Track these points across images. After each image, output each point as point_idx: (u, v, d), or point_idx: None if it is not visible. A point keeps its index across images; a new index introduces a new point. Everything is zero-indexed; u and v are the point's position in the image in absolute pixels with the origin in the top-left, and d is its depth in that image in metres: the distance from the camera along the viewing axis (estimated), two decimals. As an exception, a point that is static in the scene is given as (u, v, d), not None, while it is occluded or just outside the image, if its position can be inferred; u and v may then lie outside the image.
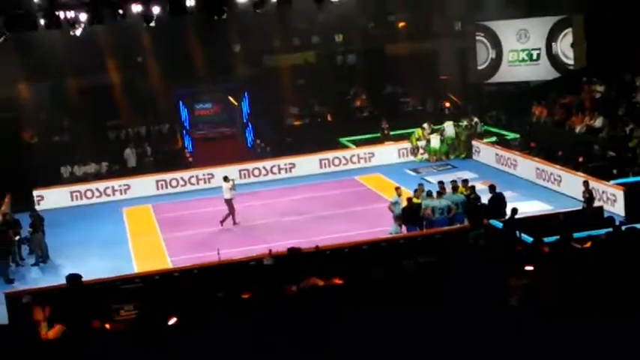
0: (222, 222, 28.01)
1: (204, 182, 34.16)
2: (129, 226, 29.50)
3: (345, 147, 37.35)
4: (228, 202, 28.14)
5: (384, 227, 24.30)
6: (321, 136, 38.14)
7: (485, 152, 34.39)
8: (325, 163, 35.31)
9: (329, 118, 41.52)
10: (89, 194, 33.63)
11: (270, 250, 20.67)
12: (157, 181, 34.13)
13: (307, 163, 35.01)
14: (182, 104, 40.06)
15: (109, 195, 33.55)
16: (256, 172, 34.66)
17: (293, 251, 18.47)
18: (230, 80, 40.33)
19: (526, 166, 31.05)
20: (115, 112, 38.90)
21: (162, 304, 14.58)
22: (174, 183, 34.13)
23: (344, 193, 31.31)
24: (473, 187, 24.93)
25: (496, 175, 31.20)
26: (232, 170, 33.11)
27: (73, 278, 16.92)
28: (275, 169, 34.60)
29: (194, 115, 41.19)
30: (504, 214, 22.83)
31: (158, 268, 23.03)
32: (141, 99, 39.20)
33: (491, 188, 24.34)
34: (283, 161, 35.15)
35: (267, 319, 9.21)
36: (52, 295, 18.86)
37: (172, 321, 10.47)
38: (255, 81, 40.43)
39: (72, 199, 33.38)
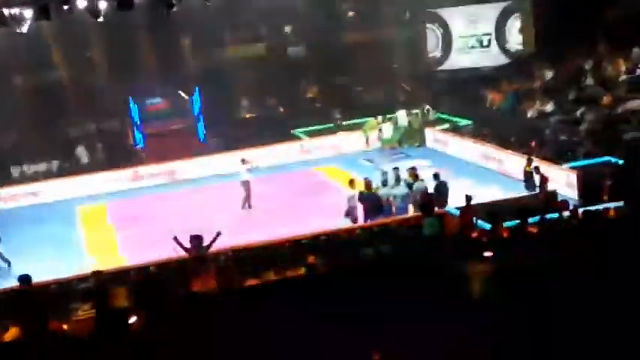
0: (243, 206, 28.24)
1: (158, 178, 33.83)
2: (83, 225, 29.08)
3: (298, 138, 37.26)
4: (245, 185, 28.26)
5: (339, 218, 24.14)
6: (274, 129, 37.97)
7: (438, 139, 34.53)
8: (279, 155, 35.11)
9: (281, 110, 41.37)
10: (41, 193, 33.09)
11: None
12: (110, 179, 33.70)
13: (260, 156, 34.75)
14: (132, 100, 39.54)
15: (61, 194, 32.99)
16: (209, 166, 34.43)
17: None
18: (180, 74, 39.98)
19: (479, 153, 31.19)
20: (64, 110, 38.28)
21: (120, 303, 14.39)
22: (127, 180, 33.71)
23: (299, 185, 31.20)
24: (437, 175, 24.44)
25: (450, 162, 31.33)
26: (186, 165, 32.94)
27: (25, 279, 16.73)
28: (227, 163, 34.11)
29: (144, 110, 40.72)
30: (446, 202, 23.09)
31: (113, 266, 22.74)
32: (90, 95, 38.66)
33: (435, 176, 24.36)
34: (235, 154, 34.86)
35: (231, 314, 9.13)
36: (4, 298, 18.54)
37: (132, 320, 10.32)
38: (205, 74, 40.13)
39: (24, 199, 32.86)
